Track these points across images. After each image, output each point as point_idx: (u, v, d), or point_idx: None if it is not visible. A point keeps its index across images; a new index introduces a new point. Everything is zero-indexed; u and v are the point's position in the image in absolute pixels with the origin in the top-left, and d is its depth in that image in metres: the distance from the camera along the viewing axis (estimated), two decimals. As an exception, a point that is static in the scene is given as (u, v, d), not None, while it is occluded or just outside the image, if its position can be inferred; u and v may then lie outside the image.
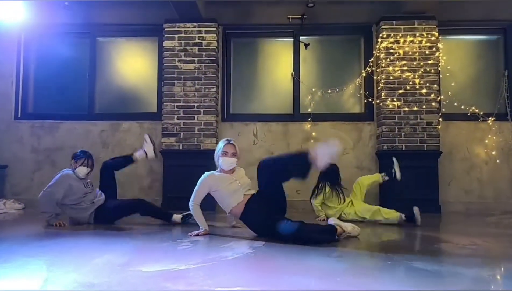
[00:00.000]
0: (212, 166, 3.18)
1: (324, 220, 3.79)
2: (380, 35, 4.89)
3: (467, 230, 3.47)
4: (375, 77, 5.03)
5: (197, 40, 4.95)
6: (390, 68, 4.83)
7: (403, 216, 3.61)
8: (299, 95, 5.19)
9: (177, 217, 3.61)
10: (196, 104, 4.90)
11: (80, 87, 5.32)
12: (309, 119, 5.03)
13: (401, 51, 4.84)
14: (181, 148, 4.86)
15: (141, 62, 5.43)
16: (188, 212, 3.44)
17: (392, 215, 3.66)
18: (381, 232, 3.34)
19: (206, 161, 3.38)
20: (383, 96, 4.83)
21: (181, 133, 4.88)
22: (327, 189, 3.95)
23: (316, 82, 5.22)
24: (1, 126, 5.22)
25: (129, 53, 5.49)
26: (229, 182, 3.01)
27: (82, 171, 3.57)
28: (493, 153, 4.90)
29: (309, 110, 5.08)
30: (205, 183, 3.01)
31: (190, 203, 3.01)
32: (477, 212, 4.72)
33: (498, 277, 1.92)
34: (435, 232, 3.47)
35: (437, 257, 2.25)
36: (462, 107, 4.91)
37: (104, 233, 3.13)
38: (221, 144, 3.11)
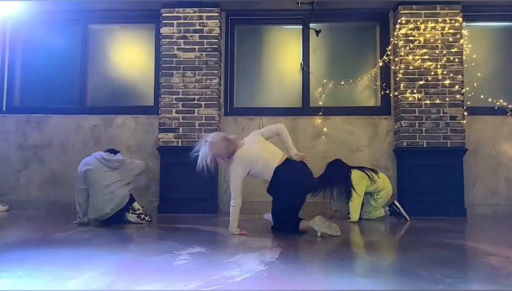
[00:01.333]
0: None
1: (354, 222, 3.71)
2: (399, 21, 4.45)
3: (505, 238, 3.06)
4: (392, 67, 4.61)
5: (197, 27, 4.53)
6: (410, 57, 4.40)
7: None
8: (308, 87, 4.75)
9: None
10: (196, 97, 4.48)
11: (70, 79, 4.88)
12: (319, 113, 4.61)
13: (421, 39, 4.40)
14: (180, 144, 4.44)
15: (137, 51, 5.01)
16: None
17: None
18: (410, 239, 2.95)
19: (207, 158, 2.97)
20: (401, 88, 4.40)
21: (180, 129, 4.46)
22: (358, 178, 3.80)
23: (327, 73, 4.78)
24: (-15, 121, 4.80)
25: (124, 41, 5.06)
26: (261, 142, 3.09)
27: None
28: (522, 150, 4.48)
29: (319, 103, 4.65)
30: (241, 162, 2.94)
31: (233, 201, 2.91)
32: (505, 216, 4.30)
33: None
34: (471, 240, 3.04)
35: (495, 280, 1.82)
36: (489, 100, 4.47)
37: (92, 239, 2.74)
38: None
